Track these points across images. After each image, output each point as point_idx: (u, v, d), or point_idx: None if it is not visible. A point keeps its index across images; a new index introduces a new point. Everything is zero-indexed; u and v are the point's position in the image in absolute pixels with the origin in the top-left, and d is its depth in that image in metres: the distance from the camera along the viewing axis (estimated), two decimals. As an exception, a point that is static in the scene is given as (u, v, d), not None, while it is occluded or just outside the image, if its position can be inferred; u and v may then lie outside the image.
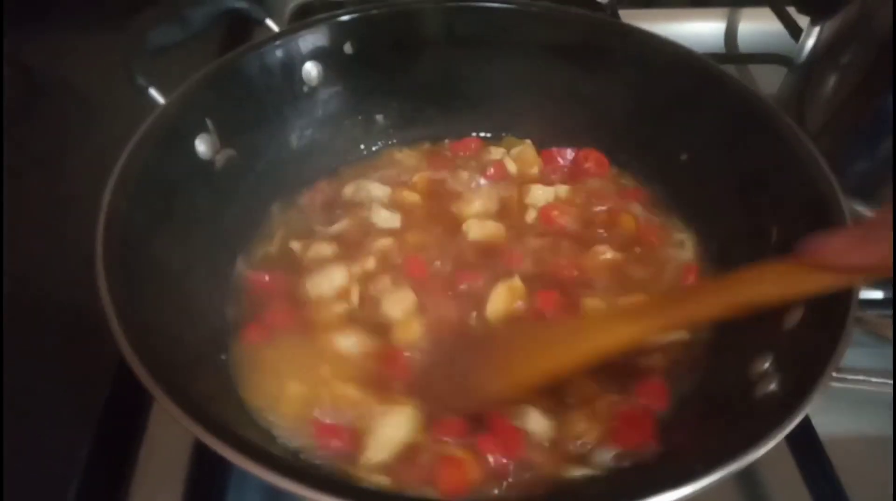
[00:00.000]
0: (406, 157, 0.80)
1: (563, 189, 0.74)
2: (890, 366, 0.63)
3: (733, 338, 0.58)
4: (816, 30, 0.82)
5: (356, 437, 0.52)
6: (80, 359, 0.61)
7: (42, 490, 0.53)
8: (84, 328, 0.57)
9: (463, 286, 0.62)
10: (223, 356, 0.58)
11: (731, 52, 1.09)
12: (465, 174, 0.75)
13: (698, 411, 0.54)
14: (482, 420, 0.52)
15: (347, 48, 0.75)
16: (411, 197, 0.73)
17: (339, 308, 0.61)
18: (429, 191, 0.74)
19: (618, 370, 0.54)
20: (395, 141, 0.82)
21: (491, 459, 0.50)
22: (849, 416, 0.63)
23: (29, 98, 0.94)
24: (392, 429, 0.52)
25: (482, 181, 0.75)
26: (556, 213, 0.71)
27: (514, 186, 0.74)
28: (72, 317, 0.63)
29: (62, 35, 1.02)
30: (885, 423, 0.61)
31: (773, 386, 0.47)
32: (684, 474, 0.38)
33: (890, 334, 0.66)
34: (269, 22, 0.72)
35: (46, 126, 0.89)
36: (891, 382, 0.63)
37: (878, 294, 0.70)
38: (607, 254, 0.66)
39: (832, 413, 0.61)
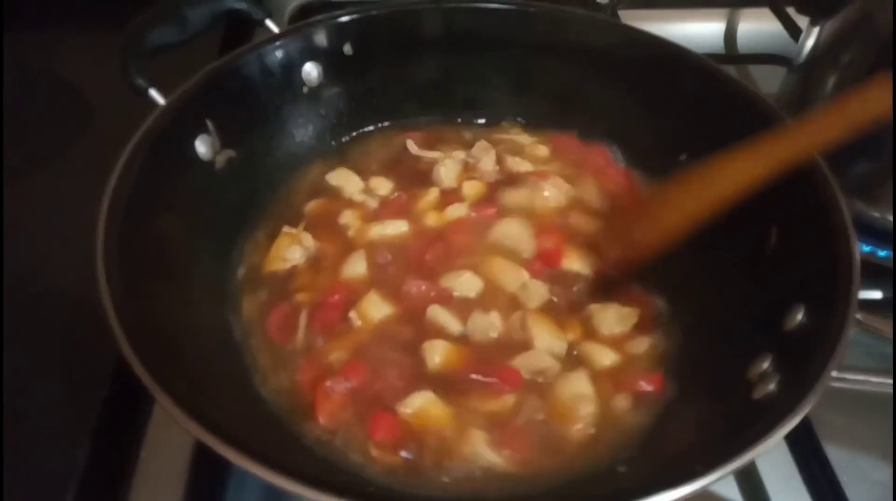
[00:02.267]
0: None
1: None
2: (889, 365, 0.63)
3: (733, 339, 0.58)
4: (816, 30, 0.81)
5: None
6: (79, 359, 0.61)
7: (41, 490, 0.53)
8: (84, 328, 0.58)
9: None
10: (225, 355, 0.58)
11: (730, 52, 1.09)
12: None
13: (698, 410, 0.54)
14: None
15: (347, 49, 0.75)
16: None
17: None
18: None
19: None
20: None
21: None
22: (848, 416, 0.63)
23: (28, 99, 0.94)
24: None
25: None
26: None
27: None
28: (71, 317, 0.63)
29: (62, 35, 1.02)
30: (885, 423, 0.61)
31: (772, 386, 0.47)
32: (684, 474, 0.38)
33: (889, 333, 0.66)
34: (269, 22, 0.72)
35: (46, 126, 0.89)
36: (891, 381, 0.63)
37: (877, 294, 0.70)
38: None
39: (832, 413, 0.61)
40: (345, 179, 0.74)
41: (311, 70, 0.74)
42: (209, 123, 0.63)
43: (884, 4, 0.69)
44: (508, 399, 0.55)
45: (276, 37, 0.70)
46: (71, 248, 0.50)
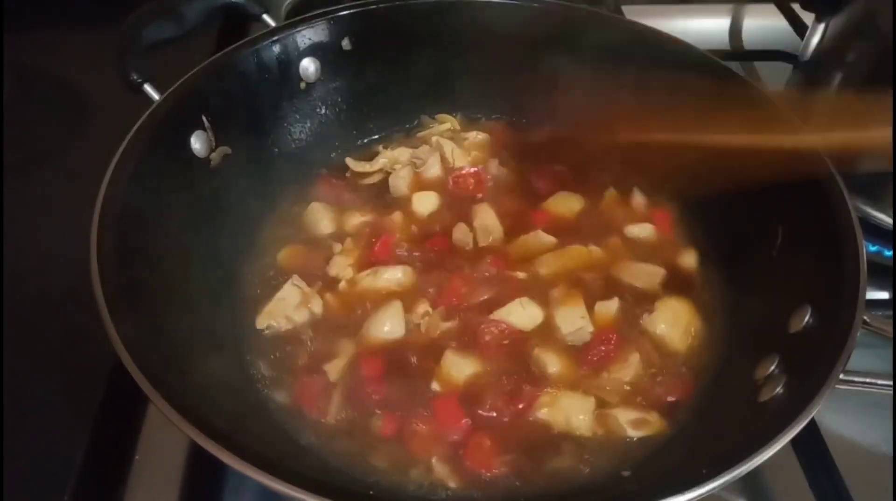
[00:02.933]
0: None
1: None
2: (896, 368, 0.63)
3: (740, 341, 0.57)
4: (821, 27, 0.81)
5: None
6: (77, 359, 0.60)
7: (38, 491, 0.52)
8: (81, 328, 0.57)
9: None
10: (222, 351, 0.57)
11: (735, 49, 1.08)
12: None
13: (705, 413, 0.54)
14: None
15: (346, 44, 0.74)
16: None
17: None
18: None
19: None
20: (394, 138, 0.82)
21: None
22: (855, 418, 0.62)
23: (27, 97, 0.93)
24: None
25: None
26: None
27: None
28: (69, 317, 0.62)
29: (59, 35, 1.02)
30: (891, 425, 0.60)
31: (779, 389, 0.46)
32: (691, 478, 0.38)
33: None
34: (266, 17, 0.71)
35: (44, 125, 0.89)
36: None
37: (884, 295, 0.69)
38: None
39: (838, 416, 0.60)
40: (316, 219, 0.70)
41: (308, 66, 0.73)
42: (205, 119, 0.62)
43: (887, 2, 0.68)
44: (633, 360, 0.58)
45: (272, 32, 0.69)
46: (70, 247, 0.49)
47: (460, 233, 0.69)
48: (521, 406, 0.55)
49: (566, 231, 0.69)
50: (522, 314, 0.60)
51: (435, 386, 0.56)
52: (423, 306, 0.61)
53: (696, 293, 0.64)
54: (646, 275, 0.65)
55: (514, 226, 0.70)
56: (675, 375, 0.58)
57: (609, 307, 0.62)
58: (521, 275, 0.64)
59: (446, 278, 0.64)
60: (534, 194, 0.74)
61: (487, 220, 0.70)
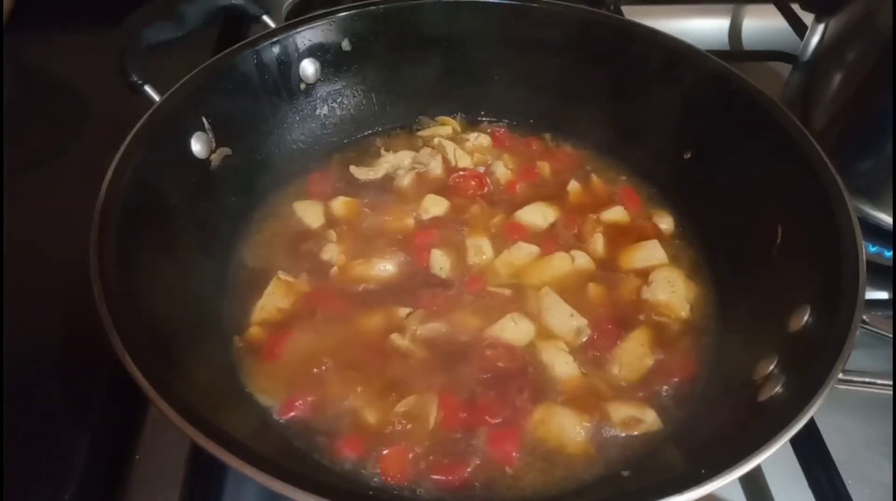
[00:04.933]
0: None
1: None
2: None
3: (738, 341, 0.57)
4: (821, 27, 0.81)
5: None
6: (75, 361, 0.60)
7: (39, 493, 0.52)
8: (80, 330, 0.57)
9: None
10: (222, 352, 0.57)
11: (735, 49, 1.08)
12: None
13: (704, 413, 0.54)
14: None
15: (345, 45, 0.74)
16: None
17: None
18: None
19: None
20: (395, 138, 0.82)
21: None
22: (854, 418, 0.62)
23: (27, 98, 0.93)
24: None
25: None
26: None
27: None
28: (68, 319, 0.62)
29: (58, 33, 1.02)
30: (889, 424, 0.61)
31: (778, 388, 0.46)
32: (691, 478, 0.38)
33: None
34: (266, 18, 0.71)
35: (44, 125, 0.88)
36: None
37: (883, 295, 0.69)
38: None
39: (837, 415, 0.60)
40: (306, 211, 0.71)
41: (308, 66, 0.73)
42: (205, 121, 0.63)
43: (887, 2, 0.68)
44: (637, 336, 0.60)
45: (272, 33, 0.69)
46: (70, 247, 0.49)
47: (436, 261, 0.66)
48: (515, 422, 0.54)
49: (545, 239, 0.69)
50: (515, 329, 0.60)
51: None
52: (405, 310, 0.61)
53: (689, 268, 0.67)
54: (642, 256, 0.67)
55: (497, 241, 0.68)
56: (677, 348, 0.59)
57: (596, 292, 0.63)
58: (507, 292, 0.64)
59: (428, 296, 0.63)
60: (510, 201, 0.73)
61: (479, 239, 0.68)
